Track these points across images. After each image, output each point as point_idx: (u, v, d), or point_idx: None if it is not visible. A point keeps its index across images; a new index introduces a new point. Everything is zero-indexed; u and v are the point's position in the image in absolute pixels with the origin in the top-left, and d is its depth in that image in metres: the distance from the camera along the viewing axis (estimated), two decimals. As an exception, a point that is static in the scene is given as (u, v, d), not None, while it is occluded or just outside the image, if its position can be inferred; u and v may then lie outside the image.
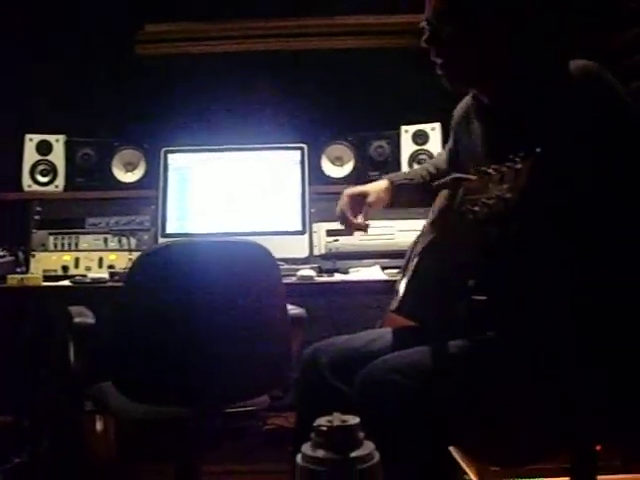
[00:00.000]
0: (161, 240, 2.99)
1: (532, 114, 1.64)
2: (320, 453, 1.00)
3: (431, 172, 2.16)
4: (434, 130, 3.32)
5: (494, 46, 1.73)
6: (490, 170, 1.38)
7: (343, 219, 2.10)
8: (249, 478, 2.98)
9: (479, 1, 1.71)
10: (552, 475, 2.60)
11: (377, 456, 1.03)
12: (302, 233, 3.00)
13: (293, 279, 2.69)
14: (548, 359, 1.57)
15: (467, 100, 1.96)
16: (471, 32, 1.72)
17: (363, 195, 2.09)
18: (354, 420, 1.02)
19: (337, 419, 1.02)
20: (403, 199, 2.16)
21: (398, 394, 1.55)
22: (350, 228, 2.11)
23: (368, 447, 1.03)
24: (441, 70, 1.78)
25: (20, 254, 3.06)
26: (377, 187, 2.12)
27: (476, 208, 1.38)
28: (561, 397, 1.57)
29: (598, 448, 2.26)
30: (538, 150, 1.30)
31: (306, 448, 1.02)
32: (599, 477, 1.75)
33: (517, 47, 1.73)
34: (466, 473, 2.84)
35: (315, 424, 1.02)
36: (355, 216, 2.08)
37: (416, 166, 3.22)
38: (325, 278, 2.82)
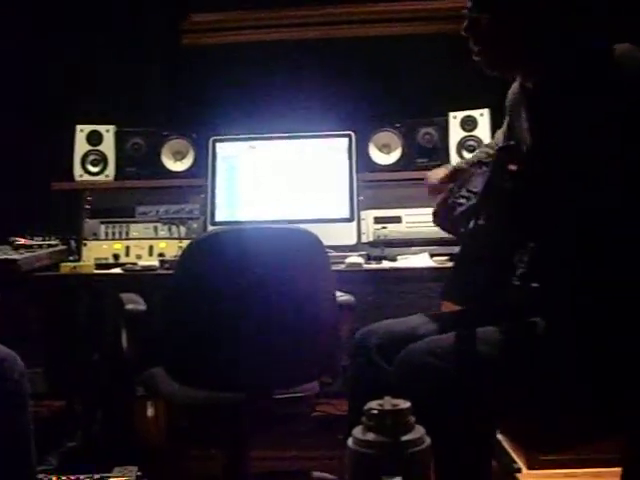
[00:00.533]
0: (210, 228, 3.01)
1: (568, 100, 1.63)
2: (371, 436, 1.01)
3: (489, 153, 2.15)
4: (483, 116, 3.27)
5: (532, 32, 1.72)
6: (477, 161, 1.39)
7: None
8: (297, 464, 2.99)
9: None
10: (601, 465, 2.58)
11: (427, 440, 1.03)
12: (350, 220, 3.00)
13: (341, 266, 2.69)
14: (595, 344, 1.55)
15: (518, 84, 1.95)
16: (508, 19, 1.72)
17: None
18: (405, 404, 1.03)
19: (388, 403, 1.02)
20: None
21: (433, 377, 1.56)
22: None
23: (419, 431, 1.03)
24: (478, 57, 1.79)
25: (72, 243, 3.11)
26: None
27: (461, 201, 1.39)
28: (608, 382, 1.55)
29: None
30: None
31: (357, 431, 1.02)
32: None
33: (557, 31, 1.72)
34: (515, 461, 2.84)
35: (366, 408, 1.02)
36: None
37: (465, 153, 3.20)
38: (373, 265, 2.81)
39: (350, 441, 1.02)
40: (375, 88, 3.65)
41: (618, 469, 1.73)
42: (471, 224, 1.41)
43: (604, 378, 1.56)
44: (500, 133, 2.14)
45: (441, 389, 1.53)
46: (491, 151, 2.14)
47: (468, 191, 1.38)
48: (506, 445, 2.95)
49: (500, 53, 1.78)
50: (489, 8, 1.73)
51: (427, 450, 1.02)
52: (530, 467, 2.80)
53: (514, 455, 2.91)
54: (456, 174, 1.52)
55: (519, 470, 2.82)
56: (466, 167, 2.01)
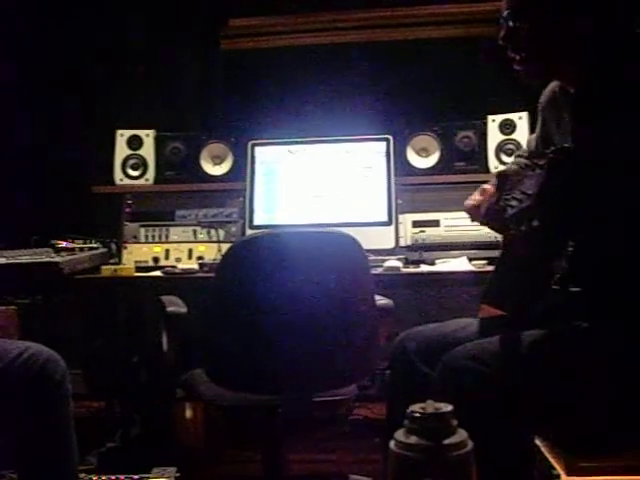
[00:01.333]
0: (249, 232, 3.03)
1: (611, 104, 1.62)
2: (413, 439, 1.00)
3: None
4: (521, 119, 3.25)
5: (572, 38, 1.70)
6: (530, 163, 1.37)
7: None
8: (334, 467, 3.00)
9: None
10: (646, 472, 2.54)
11: (470, 444, 1.02)
12: (388, 224, 3.00)
13: (380, 270, 2.70)
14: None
15: (554, 85, 1.93)
16: (547, 27, 1.70)
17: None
18: (447, 407, 1.02)
19: (430, 406, 1.02)
20: None
21: (475, 381, 1.56)
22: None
23: (461, 435, 1.02)
24: (519, 66, 1.77)
25: (113, 246, 3.15)
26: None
27: (512, 203, 1.38)
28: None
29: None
30: (567, 145, 1.29)
31: (399, 434, 1.02)
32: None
33: (596, 37, 1.70)
34: (553, 467, 2.81)
35: (408, 411, 1.02)
36: None
37: (504, 156, 3.19)
38: (412, 269, 2.81)
39: (392, 444, 1.02)
40: (413, 91, 3.65)
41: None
42: (524, 226, 1.40)
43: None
44: (534, 138, 2.12)
45: (484, 393, 1.53)
46: (523, 161, 2.13)
47: (521, 193, 1.37)
48: (544, 450, 2.92)
49: (541, 61, 1.76)
50: (528, 18, 1.72)
51: (469, 454, 1.01)
52: (569, 473, 2.76)
53: (552, 461, 2.88)
54: (503, 179, 1.50)
55: (558, 476, 2.78)
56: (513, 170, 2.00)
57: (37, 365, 1.93)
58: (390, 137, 3.12)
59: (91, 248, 3.01)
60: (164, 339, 2.22)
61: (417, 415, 1.01)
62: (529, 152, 2.15)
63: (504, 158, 3.20)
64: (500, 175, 1.54)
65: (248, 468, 2.91)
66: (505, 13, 1.75)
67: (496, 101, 3.38)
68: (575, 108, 1.79)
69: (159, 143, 3.46)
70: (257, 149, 3.18)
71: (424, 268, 2.85)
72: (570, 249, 1.64)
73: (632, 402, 1.56)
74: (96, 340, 3.53)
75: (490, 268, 2.09)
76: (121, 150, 3.45)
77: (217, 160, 3.45)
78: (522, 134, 3.22)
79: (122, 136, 3.46)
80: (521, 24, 1.72)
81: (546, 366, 1.59)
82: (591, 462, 2.74)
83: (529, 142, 2.19)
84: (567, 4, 1.68)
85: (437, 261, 2.90)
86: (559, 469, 2.80)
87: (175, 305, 2.20)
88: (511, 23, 1.73)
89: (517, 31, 1.73)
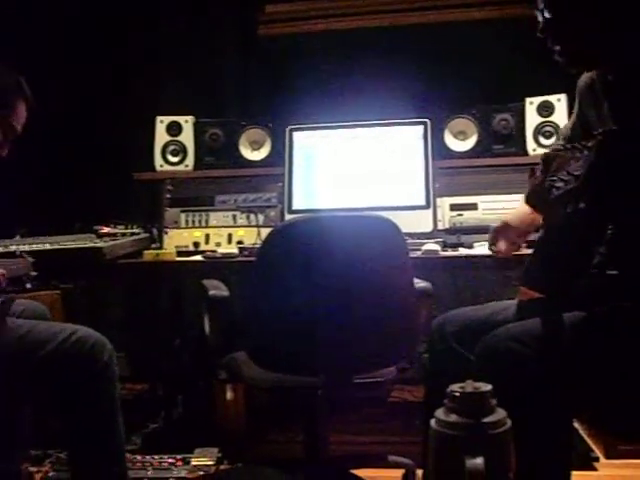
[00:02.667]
0: (288, 216, 3.06)
1: None
2: (453, 418, 1.04)
3: None
4: (560, 101, 3.23)
5: (610, 29, 1.70)
6: (577, 145, 1.38)
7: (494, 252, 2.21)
8: (373, 448, 3.03)
9: None
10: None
11: (508, 422, 1.05)
12: (426, 208, 3.00)
13: (418, 253, 2.71)
14: None
15: (592, 73, 1.93)
16: (584, 19, 1.71)
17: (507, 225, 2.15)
18: (486, 387, 1.05)
19: (469, 386, 1.05)
20: None
21: (516, 362, 1.58)
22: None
23: (500, 413, 1.05)
24: (559, 57, 1.78)
25: (154, 231, 3.19)
26: (520, 215, 2.14)
27: (559, 184, 1.39)
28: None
29: None
30: (613, 128, 1.29)
31: (440, 413, 1.05)
32: None
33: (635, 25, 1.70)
34: (592, 450, 2.82)
35: (448, 390, 1.05)
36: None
37: (542, 139, 3.17)
38: (450, 252, 2.81)
39: (433, 422, 1.05)
40: (450, 74, 3.65)
41: None
42: (569, 208, 1.41)
43: None
44: (569, 126, 2.12)
45: (524, 374, 1.55)
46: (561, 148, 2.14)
47: (568, 174, 1.38)
48: (583, 433, 2.93)
49: (579, 52, 1.77)
50: (564, 11, 1.73)
51: (508, 432, 1.04)
52: (608, 456, 2.76)
53: (591, 444, 2.88)
54: (549, 160, 1.51)
55: (597, 459, 2.79)
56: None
57: (85, 347, 1.99)
58: (428, 120, 3.11)
59: (133, 233, 3.06)
60: (206, 322, 2.26)
61: (457, 394, 1.04)
62: (565, 138, 2.15)
63: (542, 140, 3.18)
64: (546, 157, 1.55)
65: (288, 449, 2.95)
66: (541, 5, 1.76)
67: (534, 83, 3.36)
68: (615, 96, 1.79)
69: (198, 129, 3.50)
70: (295, 134, 3.19)
71: (462, 251, 2.85)
72: (609, 232, 1.65)
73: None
74: (138, 324, 3.60)
75: (528, 251, 2.10)
76: (161, 136, 3.49)
77: (255, 145, 3.48)
78: (560, 116, 3.20)
79: (162, 122, 3.50)
80: (557, 16, 1.73)
81: (587, 348, 1.60)
82: (631, 445, 2.75)
83: (565, 130, 2.19)
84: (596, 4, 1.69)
85: (475, 244, 2.91)
86: (598, 452, 2.81)
87: (217, 289, 2.24)
88: (547, 15, 1.74)
89: (554, 23, 1.74)
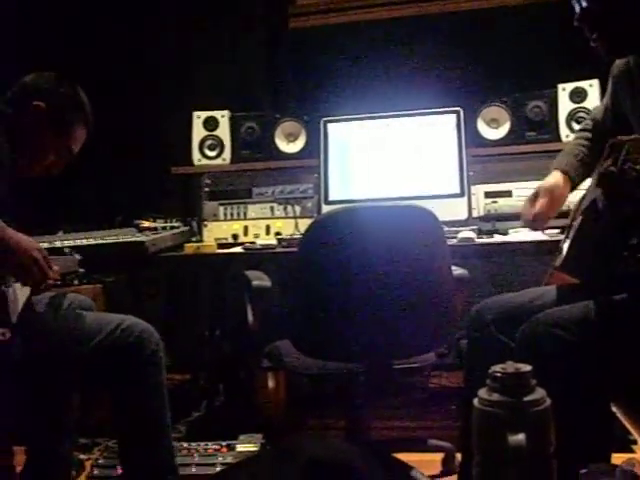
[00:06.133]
0: (325, 207, 3.10)
1: None
2: (495, 397, 1.08)
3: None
4: (592, 87, 3.22)
5: None
6: None
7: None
8: (413, 432, 3.08)
9: None
10: None
11: (548, 401, 1.09)
12: (461, 196, 3.03)
13: (454, 241, 2.73)
14: None
15: (629, 59, 1.95)
16: (621, 5, 1.73)
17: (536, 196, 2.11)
18: (526, 367, 1.10)
19: (511, 366, 1.09)
20: (579, 179, 2.16)
21: (559, 347, 1.61)
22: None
23: (540, 392, 1.10)
24: (597, 43, 1.80)
25: (193, 224, 3.25)
26: (553, 185, 2.11)
27: (638, 166, 1.42)
28: None
29: None
30: None
31: (482, 392, 1.10)
32: None
33: None
34: (630, 434, 2.83)
35: (490, 370, 1.09)
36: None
37: (575, 125, 3.18)
38: (485, 239, 2.83)
39: (476, 401, 1.10)
40: (482, 62, 3.66)
41: None
42: None
43: None
44: (601, 109, 2.14)
45: (565, 359, 1.58)
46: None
47: None
48: (621, 417, 2.95)
49: (617, 39, 1.79)
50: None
51: (548, 410, 1.09)
52: (647, 439, 2.79)
53: (630, 427, 2.91)
54: (618, 146, 1.53)
55: (635, 442, 2.81)
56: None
57: (133, 335, 2.06)
58: (460, 109, 3.13)
59: (173, 227, 3.12)
60: (249, 312, 2.32)
61: (499, 374, 1.09)
62: (594, 122, 2.17)
63: (575, 127, 3.18)
64: (613, 143, 1.57)
65: (331, 434, 3.00)
66: None
67: (566, 69, 3.37)
68: None
69: (234, 123, 3.55)
70: (329, 125, 3.23)
71: (497, 238, 2.87)
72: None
73: None
74: (181, 315, 3.67)
75: (561, 236, 2.12)
76: (198, 131, 3.54)
77: (291, 138, 3.53)
78: (593, 102, 3.19)
79: (199, 118, 3.55)
80: (594, 4, 1.75)
81: (629, 332, 1.63)
82: (669, 428, 2.77)
83: (595, 112, 2.21)
84: None
85: (510, 231, 2.93)
86: (637, 435, 2.83)
87: (260, 279, 2.30)
88: (584, 4, 1.76)
89: (591, 11, 1.76)
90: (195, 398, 3.48)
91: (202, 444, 2.81)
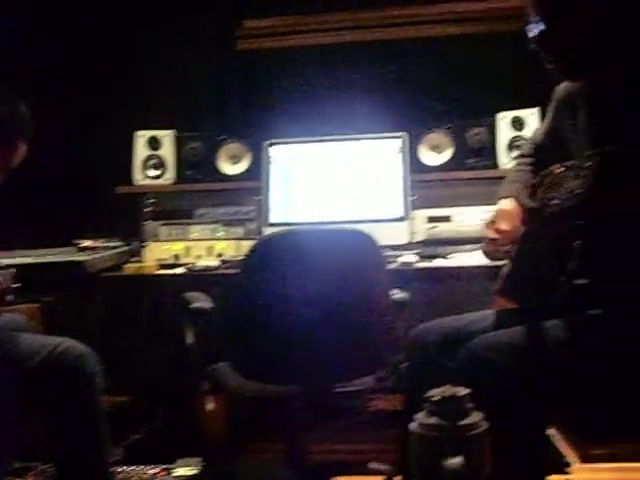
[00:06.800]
0: (266, 229, 3.10)
1: (634, 106, 1.69)
2: (432, 420, 1.10)
3: (532, 162, 2.21)
4: (533, 115, 3.30)
5: (599, 41, 1.78)
6: (569, 165, 1.45)
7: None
8: (353, 456, 3.07)
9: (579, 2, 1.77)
10: (655, 458, 2.62)
11: (485, 424, 1.11)
12: (403, 220, 3.06)
13: (395, 265, 2.76)
14: None
15: (570, 84, 1.99)
16: (578, 31, 1.78)
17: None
18: (464, 391, 1.11)
19: (448, 390, 1.11)
20: None
21: (494, 371, 1.63)
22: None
23: (476, 416, 1.11)
24: (553, 66, 1.85)
25: (135, 244, 3.22)
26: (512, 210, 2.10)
27: (554, 202, 1.46)
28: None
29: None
30: (610, 148, 1.36)
31: (420, 416, 1.11)
32: None
33: (623, 41, 1.78)
34: (565, 456, 2.89)
35: (428, 394, 1.11)
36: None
37: (514, 153, 3.23)
38: (426, 264, 2.86)
39: (414, 425, 1.11)
40: (426, 89, 3.71)
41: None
42: (567, 224, 1.47)
43: None
44: (540, 133, 2.19)
45: (501, 383, 1.60)
46: (526, 161, 2.20)
47: (567, 192, 1.43)
48: (557, 439, 2.99)
49: (574, 61, 1.84)
50: (558, 22, 1.79)
51: (484, 434, 1.10)
52: (582, 461, 2.84)
53: (565, 450, 2.96)
54: (542, 180, 1.57)
55: (568, 464, 2.86)
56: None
57: (71, 358, 2.03)
58: (404, 134, 3.17)
59: (114, 247, 3.09)
60: (188, 334, 2.30)
61: (436, 398, 1.10)
62: (536, 147, 2.22)
63: (514, 154, 3.24)
64: (540, 177, 1.60)
65: (270, 457, 2.98)
66: (534, 19, 1.82)
67: (507, 98, 3.44)
68: (593, 107, 1.86)
69: (178, 143, 3.54)
70: (273, 148, 3.24)
71: (437, 262, 2.91)
72: (578, 244, 1.71)
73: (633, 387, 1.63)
74: (119, 337, 3.61)
75: (502, 262, 2.15)
76: (141, 151, 3.53)
77: (235, 160, 3.53)
78: (532, 130, 3.26)
79: (142, 137, 3.53)
80: (550, 29, 1.79)
81: (561, 356, 1.66)
82: (604, 449, 2.83)
83: (536, 136, 2.25)
84: (592, 13, 1.76)
85: (450, 255, 2.96)
86: (572, 457, 2.88)
87: (200, 301, 2.28)
88: (543, 27, 1.80)
89: (549, 34, 1.80)
90: (134, 421, 3.42)
91: (140, 468, 2.76)
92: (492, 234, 2.06)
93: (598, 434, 1.82)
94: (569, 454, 2.91)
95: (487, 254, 2.12)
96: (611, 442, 2.20)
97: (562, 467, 2.84)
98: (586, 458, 2.83)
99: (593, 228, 1.58)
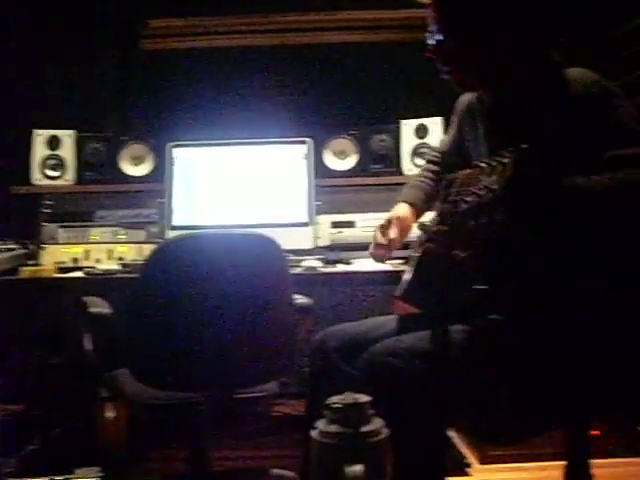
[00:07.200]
0: (168, 232, 3.05)
1: (528, 115, 1.74)
2: (333, 428, 1.09)
3: (435, 170, 2.25)
4: (436, 125, 3.36)
5: (495, 55, 1.82)
6: (482, 164, 1.48)
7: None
8: (255, 462, 3.05)
9: (477, 14, 1.79)
10: (548, 459, 2.71)
11: (386, 431, 1.11)
12: (307, 225, 3.06)
13: (298, 270, 2.76)
14: (546, 341, 1.65)
15: (471, 95, 2.03)
16: (475, 43, 1.81)
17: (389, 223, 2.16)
18: (364, 398, 1.11)
19: (349, 398, 1.10)
20: (425, 212, 2.24)
21: (393, 376, 1.63)
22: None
23: (377, 423, 1.11)
24: (447, 76, 1.87)
25: (31, 247, 3.12)
26: (402, 214, 2.17)
27: (468, 198, 1.48)
28: (556, 377, 1.65)
29: (595, 432, 2.35)
30: (524, 146, 1.40)
31: (320, 424, 1.10)
32: (597, 461, 1.83)
33: (517, 54, 1.82)
34: (465, 457, 2.95)
35: (328, 402, 1.10)
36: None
37: (418, 160, 3.29)
38: (329, 269, 2.87)
39: (314, 432, 1.10)
40: (331, 95, 3.73)
41: (562, 462, 1.84)
42: (482, 219, 1.49)
43: (547, 376, 1.66)
44: (447, 140, 2.23)
45: (400, 387, 1.60)
46: (433, 168, 2.25)
47: (483, 188, 1.45)
48: (457, 442, 3.07)
49: (469, 73, 1.86)
50: (456, 34, 1.81)
51: (385, 440, 1.10)
52: (481, 462, 2.92)
53: (465, 451, 3.03)
54: (450, 181, 1.60)
55: (469, 465, 2.93)
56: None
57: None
58: (309, 140, 3.16)
59: (9, 249, 2.97)
60: (86, 340, 2.24)
61: (337, 406, 1.09)
62: (442, 155, 2.25)
63: (418, 161, 3.30)
64: (450, 179, 1.63)
65: (172, 465, 2.94)
66: (432, 28, 1.84)
67: (412, 106, 3.49)
68: (490, 118, 1.90)
69: (79, 144, 3.46)
70: (176, 150, 3.17)
71: (341, 267, 2.92)
72: (476, 249, 1.74)
73: (535, 392, 1.67)
74: (14, 342, 3.49)
75: (402, 267, 2.18)
76: (40, 150, 3.43)
77: (137, 161, 3.47)
78: (436, 138, 3.31)
79: (40, 136, 3.44)
80: (448, 40, 1.82)
81: (462, 360, 1.68)
82: (501, 451, 2.93)
83: (442, 145, 2.29)
84: (489, 22, 1.79)
85: (353, 260, 2.98)
86: (472, 458, 2.96)
87: (98, 306, 2.22)
88: (439, 37, 1.82)
89: (445, 45, 1.82)
90: (29, 430, 3.30)
91: (35, 480, 2.67)
92: (381, 239, 2.13)
93: (496, 436, 1.85)
94: (469, 455, 2.99)
95: (373, 256, 2.19)
96: (509, 443, 2.26)
97: (462, 468, 2.91)
98: (485, 459, 2.92)
99: (505, 226, 1.61)
